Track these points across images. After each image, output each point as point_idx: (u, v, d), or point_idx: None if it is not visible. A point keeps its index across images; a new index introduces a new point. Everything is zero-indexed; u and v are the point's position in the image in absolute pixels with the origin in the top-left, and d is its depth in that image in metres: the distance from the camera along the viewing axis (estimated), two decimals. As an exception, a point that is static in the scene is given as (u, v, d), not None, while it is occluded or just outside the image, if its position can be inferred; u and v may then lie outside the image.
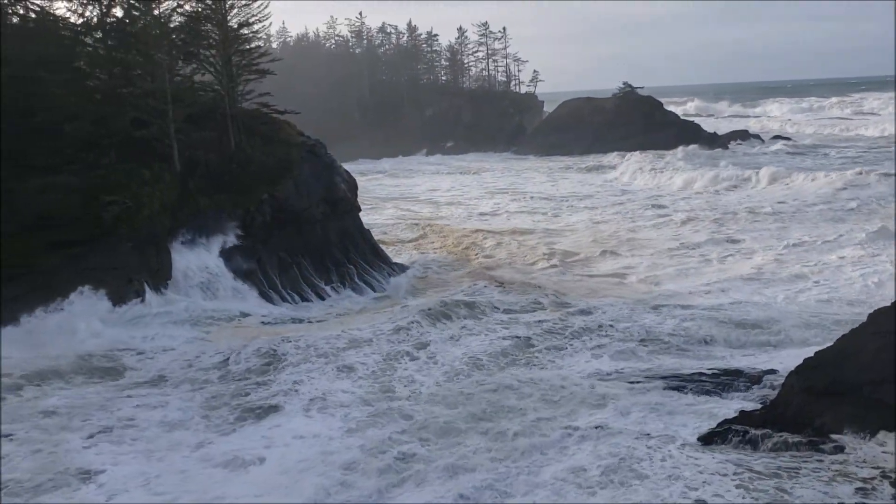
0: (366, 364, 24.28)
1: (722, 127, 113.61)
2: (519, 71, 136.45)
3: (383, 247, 40.22)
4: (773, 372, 21.95)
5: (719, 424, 18.61)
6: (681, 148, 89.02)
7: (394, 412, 20.33)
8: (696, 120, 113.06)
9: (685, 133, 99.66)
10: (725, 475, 16.13)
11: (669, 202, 56.68)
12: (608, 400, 20.88)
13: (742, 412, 19.05)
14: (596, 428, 19.10)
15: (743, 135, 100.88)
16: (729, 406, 20.02)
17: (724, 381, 22.05)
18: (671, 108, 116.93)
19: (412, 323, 28.19)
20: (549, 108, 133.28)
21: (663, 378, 22.51)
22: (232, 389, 22.49)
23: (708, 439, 18.07)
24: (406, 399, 21.53)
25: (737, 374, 22.50)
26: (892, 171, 55.74)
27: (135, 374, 24.05)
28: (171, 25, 36.69)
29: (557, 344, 26.21)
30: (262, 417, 20.58)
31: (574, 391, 21.61)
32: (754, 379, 21.89)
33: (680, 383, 22.00)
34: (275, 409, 21.06)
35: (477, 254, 41.32)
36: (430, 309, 29.73)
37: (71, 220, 29.86)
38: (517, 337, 26.76)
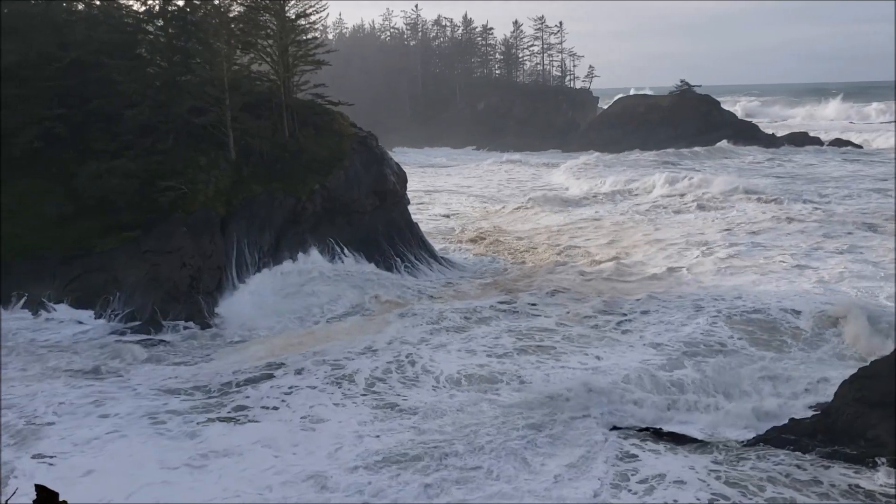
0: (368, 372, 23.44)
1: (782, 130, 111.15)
2: (574, 66, 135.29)
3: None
4: (825, 380, 21.42)
5: (767, 431, 18.29)
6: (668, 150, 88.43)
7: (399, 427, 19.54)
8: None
9: (742, 133, 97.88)
10: (761, 483, 16.20)
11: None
12: (650, 399, 20.64)
13: (792, 419, 18.67)
14: (642, 430, 18.97)
15: (801, 137, 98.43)
16: (777, 412, 19.65)
17: (774, 386, 21.61)
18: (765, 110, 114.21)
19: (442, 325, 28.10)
20: (602, 105, 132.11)
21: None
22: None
23: (754, 444, 17.78)
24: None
25: (786, 379, 22.02)
26: None
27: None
28: (231, 15, 37.23)
29: (605, 345, 25.93)
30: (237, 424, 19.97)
31: (616, 393, 21.40)
32: (805, 386, 21.41)
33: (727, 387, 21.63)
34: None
35: (513, 253, 41.10)
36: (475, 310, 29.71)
37: (128, 205, 30.64)
38: (568, 339, 26.54)
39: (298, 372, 23.27)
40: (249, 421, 20.09)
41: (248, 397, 21.56)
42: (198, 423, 19.80)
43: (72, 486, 16.18)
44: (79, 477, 16.84)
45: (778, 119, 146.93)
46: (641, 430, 18.95)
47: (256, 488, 16.47)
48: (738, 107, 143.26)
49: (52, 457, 17.86)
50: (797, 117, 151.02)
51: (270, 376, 23.03)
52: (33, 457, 17.79)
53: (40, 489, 2.56)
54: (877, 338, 24.40)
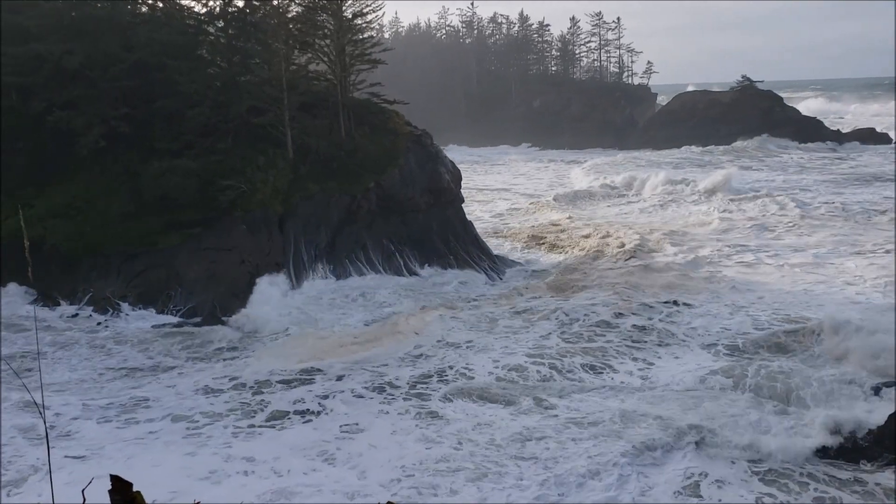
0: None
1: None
2: (632, 62, 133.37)
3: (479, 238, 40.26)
4: (893, 384, 20.74)
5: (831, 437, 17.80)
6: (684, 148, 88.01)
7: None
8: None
9: (805, 130, 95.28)
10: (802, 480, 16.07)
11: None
12: (712, 404, 20.25)
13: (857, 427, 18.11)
14: (697, 442, 18.61)
15: (868, 134, 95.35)
16: (844, 416, 19.09)
17: (840, 389, 20.96)
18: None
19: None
20: (661, 101, 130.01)
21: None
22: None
23: (815, 451, 17.35)
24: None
25: (851, 382, 21.35)
26: None
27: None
28: (289, 15, 37.75)
29: (656, 344, 25.57)
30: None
31: (674, 394, 21.06)
32: (872, 390, 20.74)
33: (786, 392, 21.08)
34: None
35: (562, 248, 40.92)
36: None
37: (189, 202, 31.32)
38: (620, 339, 26.30)
39: (340, 377, 22.69)
40: (284, 427, 19.55)
41: (286, 401, 21.04)
42: (229, 427, 19.36)
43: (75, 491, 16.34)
44: (84, 482, 16.31)
45: (846, 115, 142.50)
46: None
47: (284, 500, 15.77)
48: (802, 104, 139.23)
49: (79, 458, 17.60)
50: (865, 114, 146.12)
51: (311, 380, 22.54)
52: (65, 457, 17.67)
53: (115, 479, 2.63)
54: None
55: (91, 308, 28.95)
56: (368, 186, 34.55)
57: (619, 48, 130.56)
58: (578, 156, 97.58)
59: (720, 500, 15.68)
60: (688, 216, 48.70)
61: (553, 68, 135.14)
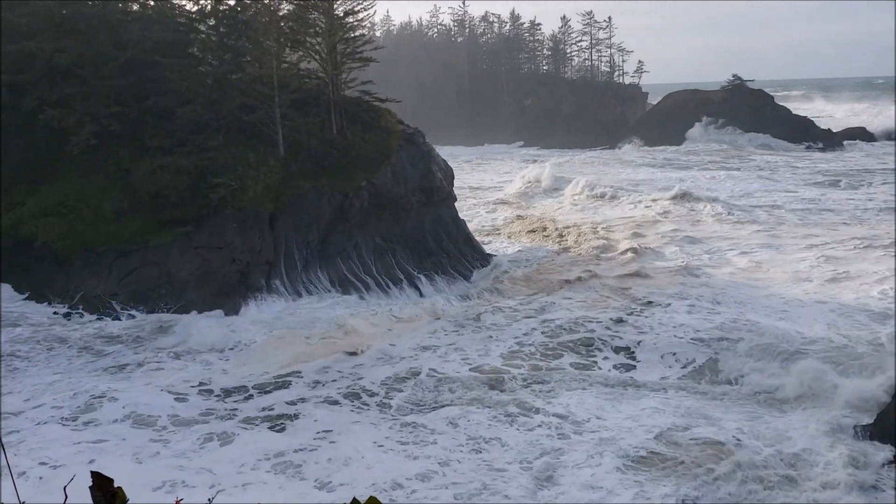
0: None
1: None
2: (623, 61, 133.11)
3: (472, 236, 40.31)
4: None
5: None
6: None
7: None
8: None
9: (796, 129, 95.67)
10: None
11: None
12: (699, 404, 20.33)
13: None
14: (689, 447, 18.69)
15: (859, 133, 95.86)
16: (832, 414, 19.21)
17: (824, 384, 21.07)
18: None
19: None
20: (652, 101, 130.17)
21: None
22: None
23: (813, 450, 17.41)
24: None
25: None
26: None
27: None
28: (280, 13, 37.70)
29: (639, 333, 25.64)
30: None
31: (660, 396, 21.12)
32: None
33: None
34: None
35: (551, 241, 41.18)
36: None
37: (181, 200, 31.25)
38: (604, 331, 26.35)
39: (314, 383, 22.19)
40: (252, 433, 18.96)
41: (257, 407, 20.55)
42: (197, 433, 18.82)
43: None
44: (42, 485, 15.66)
45: (841, 115, 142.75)
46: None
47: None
48: (794, 103, 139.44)
49: (50, 466, 17.15)
50: (863, 114, 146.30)
51: (286, 384, 22.10)
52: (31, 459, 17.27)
53: (95, 475, 2.60)
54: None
55: (81, 306, 28.85)
56: (360, 185, 34.50)
57: (610, 47, 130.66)
58: (564, 154, 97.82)
59: (703, 495, 15.73)
60: (651, 215, 48.78)
61: (544, 67, 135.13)
